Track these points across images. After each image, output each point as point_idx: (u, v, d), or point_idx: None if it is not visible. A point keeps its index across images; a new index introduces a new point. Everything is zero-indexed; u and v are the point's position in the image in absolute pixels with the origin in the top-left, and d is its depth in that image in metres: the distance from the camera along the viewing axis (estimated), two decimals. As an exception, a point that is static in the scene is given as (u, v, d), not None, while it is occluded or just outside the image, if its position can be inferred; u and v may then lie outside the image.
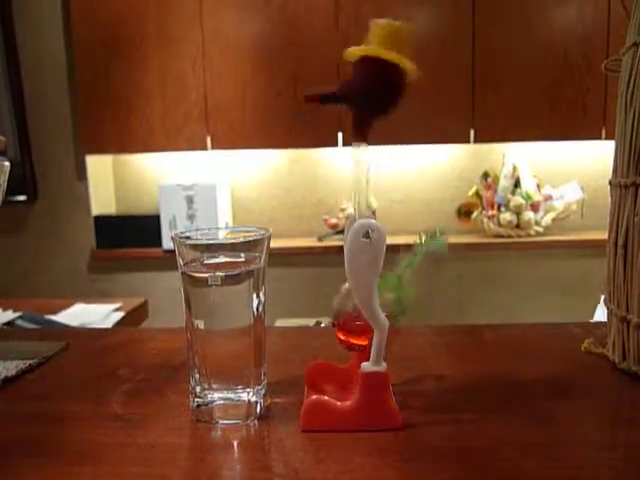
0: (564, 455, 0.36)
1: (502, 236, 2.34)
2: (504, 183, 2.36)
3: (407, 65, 0.38)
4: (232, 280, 0.41)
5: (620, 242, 0.49)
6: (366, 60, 0.39)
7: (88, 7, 2.26)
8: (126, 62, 2.27)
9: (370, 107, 0.40)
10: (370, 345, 0.40)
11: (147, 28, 2.25)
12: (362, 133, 0.40)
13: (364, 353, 0.40)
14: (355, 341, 0.42)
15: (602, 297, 1.37)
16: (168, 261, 2.23)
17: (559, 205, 2.33)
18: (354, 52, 0.39)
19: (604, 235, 0.53)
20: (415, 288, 0.41)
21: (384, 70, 0.38)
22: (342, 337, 0.42)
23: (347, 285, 0.41)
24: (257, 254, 0.41)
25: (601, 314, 1.39)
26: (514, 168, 2.35)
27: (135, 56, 2.27)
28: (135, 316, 1.61)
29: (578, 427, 0.40)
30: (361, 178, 0.40)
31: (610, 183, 0.52)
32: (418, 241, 0.41)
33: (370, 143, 0.40)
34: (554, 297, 2.33)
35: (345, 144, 2.28)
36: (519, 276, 2.38)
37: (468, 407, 0.43)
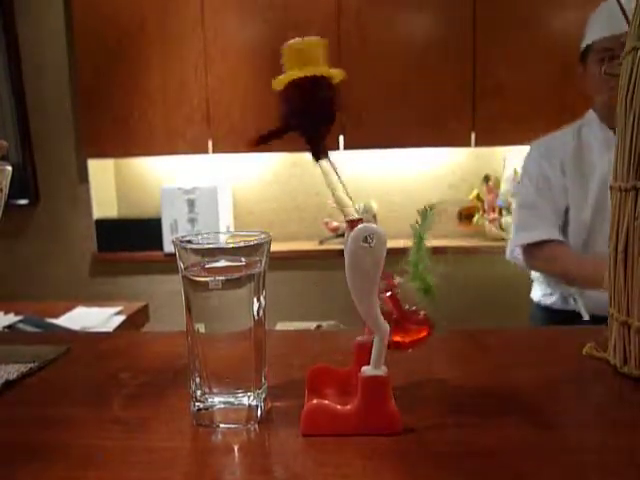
0: (565, 460, 0.36)
1: (503, 239, 2.34)
2: (505, 186, 2.36)
3: (329, 72, 0.39)
4: (233, 284, 0.41)
5: (620, 247, 0.49)
6: (293, 84, 0.39)
7: (90, 11, 2.26)
8: (128, 65, 2.28)
9: (313, 126, 0.40)
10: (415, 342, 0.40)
11: (149, 31, 2.26)
12: (322, 151, 0.40)
13: (365, 357, 0.40)
14: (396, 339, 0.41)
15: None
16: (169, 265, 2.23)
17: (560, 208, 2.33)
18: (280, 81, 0.39)
19: (604, 239, 0.53)
20: (433, 271, 0.41)
21: (309, 87, 0.39)
22: (399, 339, 0.42)
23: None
24: (258, 258, 0.41)
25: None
26: (515, 172, 2.35)
27: (137, 59, 2.28)
28: (136, 320, 1.61)
29: (579, 431, 0.40)
30: (336, 186, 0.40)
31: (610, 187, 0.52)
32: (415, 224, 0.42)
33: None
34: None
35: (346, 147, 2.28)
36: (521, 280, 2.37)
37: (469, 411, 0.43)
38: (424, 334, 0.41)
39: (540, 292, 1.50)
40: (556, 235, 1.35)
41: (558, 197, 1.37)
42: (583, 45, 1.33)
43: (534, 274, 1.52)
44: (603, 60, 1.26)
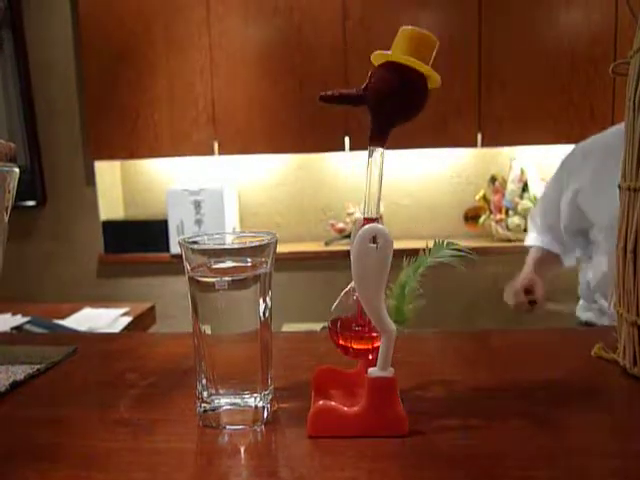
0: (573, 463, 0.35)
1: (510, 240, 2.33)
2: (512, 187, 2.35)
3: (431, 74, 0.38)
4: (239, 285, 0.41)
5: (629, 246, 0.49)
6: (392, 65, 0.38)
7: (97, 14, 2.28)
8: (134, 69, 2.29)
9: (391, 113, 0.39)
10: (373, 350, 0.40)
11: (155, 35, 2.27)
12: (380, 138, 0.39)
13: (372, 359, 0.40)
14: (356, 346, 0.41)
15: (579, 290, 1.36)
16: (175, 266, 2.23)
17: (567, 209, 2.32)
18: (381, 56, 0.38)
19: (612, 239, 0.52)
20: (418, 298, 0.40)
21: (409, 77, 0.38)
22: (342, 342, 0.42)
23: (346, 290, 0.42)
24: (264, 259, 0.41)
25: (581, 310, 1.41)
26: (522, 172, 2.34)
27: (143, 63, 2.29)
28: (143, 321, 1.61)
29: (587, 434, 0.40)
30: (373, 182, 0.40)
31: (619, 187, 0.51)
32: (424, 251, 0.41)
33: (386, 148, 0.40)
34: (564, 301, 2.32)
35: (352, 149, 2.28)
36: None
37: (476, 413, 0.43)
38: (378, 344, 0.40)
39: (581, 308, 1.40)
40: (542, 242, 1.36)
41: (567, 207, 1.33)
42: None
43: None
44: None
